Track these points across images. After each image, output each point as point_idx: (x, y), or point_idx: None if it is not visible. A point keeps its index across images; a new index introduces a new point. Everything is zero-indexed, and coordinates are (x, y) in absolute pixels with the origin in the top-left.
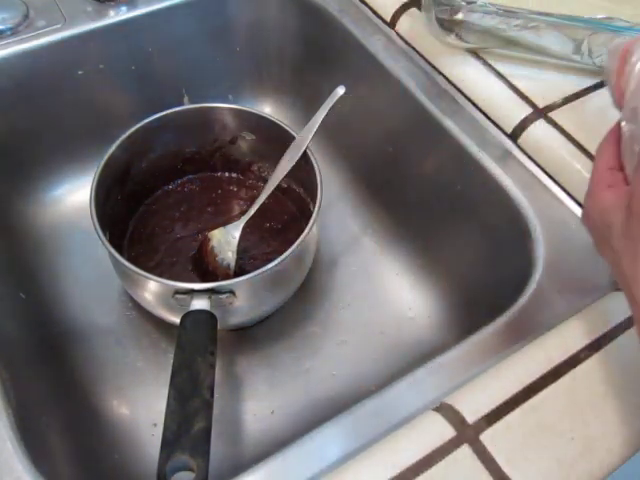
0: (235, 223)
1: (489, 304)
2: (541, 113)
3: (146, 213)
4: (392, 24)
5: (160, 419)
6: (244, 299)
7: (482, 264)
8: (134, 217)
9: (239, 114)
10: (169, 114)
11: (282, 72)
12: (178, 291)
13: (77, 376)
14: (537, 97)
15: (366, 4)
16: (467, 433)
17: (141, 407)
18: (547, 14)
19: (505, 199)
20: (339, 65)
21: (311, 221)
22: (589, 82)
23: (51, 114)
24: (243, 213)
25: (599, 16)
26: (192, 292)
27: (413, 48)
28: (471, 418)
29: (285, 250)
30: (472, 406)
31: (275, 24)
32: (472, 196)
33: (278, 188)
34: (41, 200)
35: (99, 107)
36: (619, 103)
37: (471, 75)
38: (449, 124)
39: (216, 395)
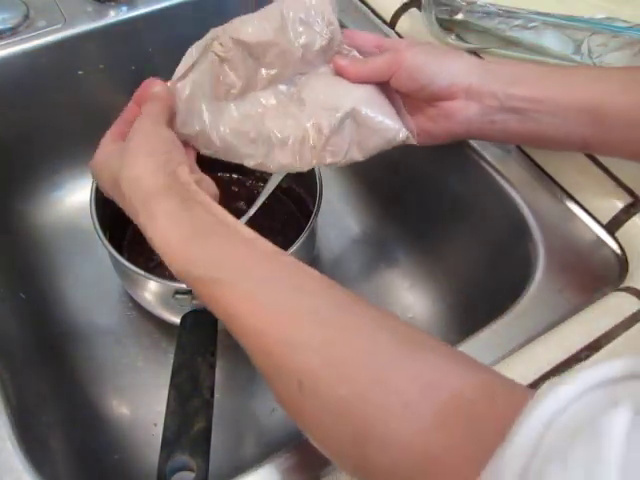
0: None
1: (489, 304)
2: None
3: None
4: (392, 24)
5: (160, 419)
6: None
7: (482, 264)
8: None
9: None
10: None
11: None
12: (178, 291)
13: (77, 376)
14: None
15: (366, 4)
16: None
17: (141, 407)
18: (547, 14)
19: (505, 199)
20: None
21: (311, 221)
22: None
23: (51, 114)
24: (243, 213)
25: (599, 16)
26: (192, 292)
27: None
28: None
29: (285, 250)
30: None
31: None
32: (472, 196)
33: (278, 188)
34: (41, 200)
35: (99, 107)
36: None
37: None
38: None
39: (216, 395)
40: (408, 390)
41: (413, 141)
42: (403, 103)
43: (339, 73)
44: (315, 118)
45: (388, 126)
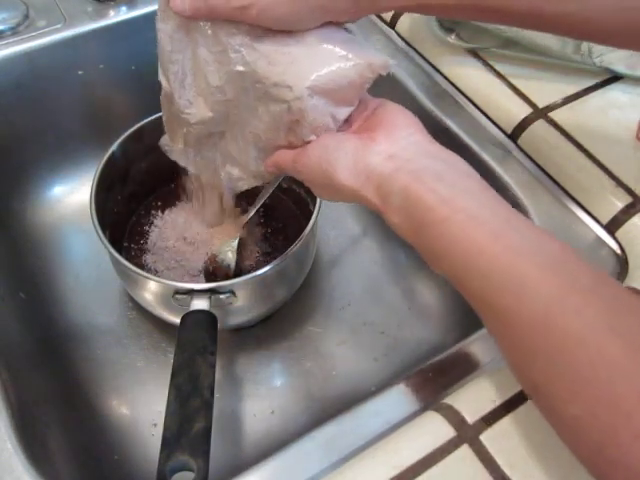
0: (235, 223)
1: None
2: (541, 113)
3: (146, 213)
4: (392, 24)
5: (160, 419)
6: (244, 299)
7: None
8: (134, 217)
9: None
10: None
11: None
12: (178, 291)
13: (77, 376)
14: (537, 97)
15: None
16: (467, 433)
17: (141, 407)
18: None
19: (505, 199)
20: None
21: (311, 221)
22: (589, 82)
23: (51, 114)
24: (243, 213)
25: None
26: (192, 292)
27: (413, 48)
28: (471, 418)
29: (285, 250)
30: (472, 406)
31: None
32: None
33: (278, 188)
34: (41, 200)
35: (99, 107)
36: None
37: (471, 75)
38: (449, 124)
39: (216, 395)
40: (637, 414)
41: (383, 70)
42: None
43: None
44: (286, 115)
45: (355, 76)
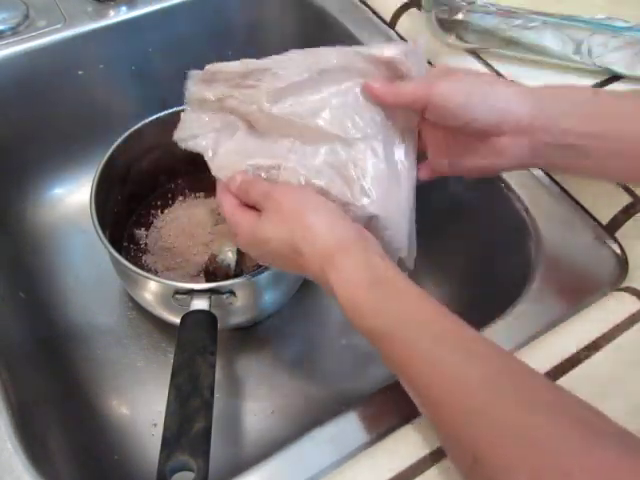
0: None
1: (489, 304)
2: None
3: (146, 213)
4: (392, 24)
5: (160, 419)
6: (244, 299)
7: (482, 264)
8: (134, 217)
9: None
10: (169, 114)
11: None
12: (178, 291)
13: (77, 376)
14: None
15: (366, 4)
16: None
17: (141, 407)
18: (547, 14)
19: (505, 199)
20: None
21: None
22: (589, 82)
23: (51, 114)
24: None
25: (599, 16)
26: (192, 292)
27: None
28: None
29: None
30: None
31: (275, 24)
32: (472, 196)
33: None
34: (41, 200)
35: (99, 107)
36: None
37: None
38: None
39: (216, 395)
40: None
41: (409, 265)
42: (449, 140)
43: (367, 92)
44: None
45: (392, 243)
